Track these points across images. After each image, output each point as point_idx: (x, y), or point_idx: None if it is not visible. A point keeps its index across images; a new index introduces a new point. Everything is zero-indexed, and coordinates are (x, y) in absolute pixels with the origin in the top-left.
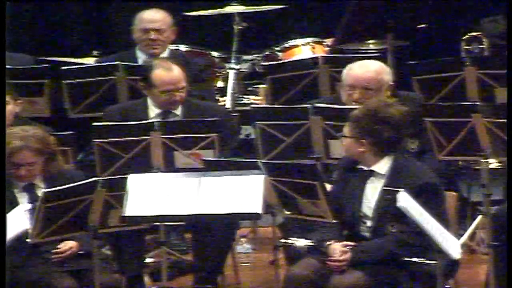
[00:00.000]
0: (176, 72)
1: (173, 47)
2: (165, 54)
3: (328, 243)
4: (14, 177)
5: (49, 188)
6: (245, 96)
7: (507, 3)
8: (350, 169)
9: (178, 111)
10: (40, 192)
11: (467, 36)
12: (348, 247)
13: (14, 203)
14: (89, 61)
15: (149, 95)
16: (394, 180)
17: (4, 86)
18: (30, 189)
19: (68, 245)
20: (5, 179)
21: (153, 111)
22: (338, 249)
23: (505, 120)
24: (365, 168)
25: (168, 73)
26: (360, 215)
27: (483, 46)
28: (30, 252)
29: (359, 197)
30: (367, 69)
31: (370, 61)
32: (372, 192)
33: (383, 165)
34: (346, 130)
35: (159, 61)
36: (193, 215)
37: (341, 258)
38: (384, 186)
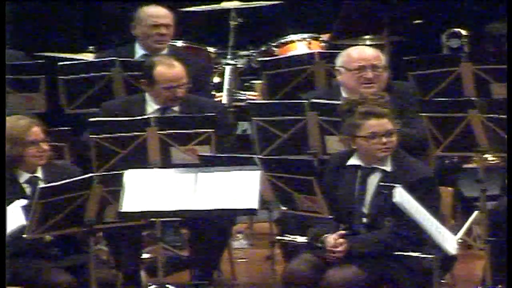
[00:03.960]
0: (178, 68)
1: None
2: (164, 51)
3: (324, 236)
4: (32, 159)
5: (50, 182)
6: (241, 92)
7: (507, 2)
8: (344, 165)
9: (177, 107)
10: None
11: (447, 31)
12: (342, 237)
13: (22, 195)
14: (85, 56)
15: (150, 92)
16: (394, 176)
17: (4, 86)
18: (32, 182)
19: None
20: (5, 178)
21: (151, 107)
22: (333, 240)
23: (502, 116)
24: (364, 165)
25: (170, 70)
26: (358, 212)
27: (463, 41)
28: (27, 248)
29: (359, 194)
30: (367, 49)
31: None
32: (370, 189)
33: (388, 162)
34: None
35: (160, 58)
36: (189, 210)
37: (338, 249)
38: (381, 181)
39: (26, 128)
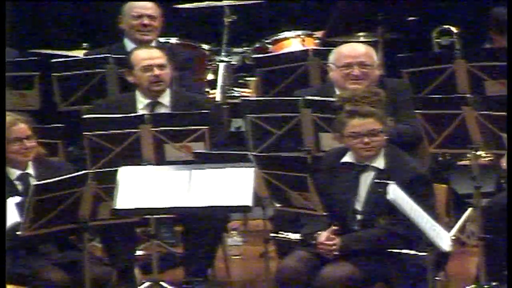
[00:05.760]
0: (154, 50)
1: (163, 40)
2: (153, 43)
3: (318, 233)
4: (16, 156)
5: (41, 179)
6: (235, 89)
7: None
8: (338, 163)
9: (167, 101)
10: (32, 182)
11: (438, 28)
12: (335, 234)
13: (14, 192)
14: (79, 53)
15: (134, 81)
16: (388, 174)
17: (4, 86)
18: (23, 178)
19: None
20: (5, 178)
21: (141, 103)
22: (326, 235)
23: (496, 113)
24: (357, 163)
25: (145, 49)
26: (352, 209)
27: (453, 39)
28: (21, 245)
29: (353, 192)
30: (357, 46)
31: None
32: (364, 186)
33: (381, 159)
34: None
35: (140, 46)
36: (183, 207)
37: (331, 242)
38: (375, 179)
39: (10, 125)
